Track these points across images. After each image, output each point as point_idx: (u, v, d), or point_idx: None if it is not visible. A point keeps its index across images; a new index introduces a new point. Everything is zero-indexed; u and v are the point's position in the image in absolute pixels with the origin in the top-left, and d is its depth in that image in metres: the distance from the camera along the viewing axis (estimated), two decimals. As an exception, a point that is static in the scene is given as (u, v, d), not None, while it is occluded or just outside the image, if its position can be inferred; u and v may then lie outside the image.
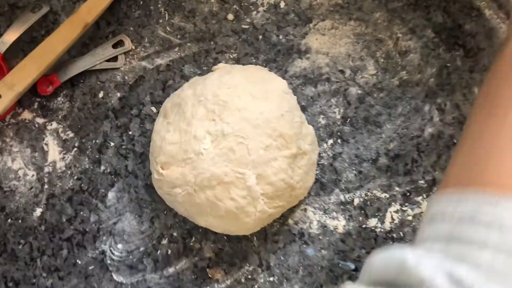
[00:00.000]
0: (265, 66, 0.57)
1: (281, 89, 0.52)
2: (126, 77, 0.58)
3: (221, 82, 0.51)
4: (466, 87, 0.54)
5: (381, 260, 0.32)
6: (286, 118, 0.50)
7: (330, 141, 0.55)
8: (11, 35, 0.57)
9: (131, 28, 0.59)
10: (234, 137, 0.48)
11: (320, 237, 0.53)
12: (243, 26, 0.58)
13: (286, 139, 0.49)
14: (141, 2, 0.60)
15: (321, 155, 0.55)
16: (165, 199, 0.52)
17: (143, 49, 0.59)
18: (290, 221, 0.54)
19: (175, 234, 0.55)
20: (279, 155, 0.49)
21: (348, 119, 0.55)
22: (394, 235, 0.52)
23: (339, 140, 0.55)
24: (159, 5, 0.59)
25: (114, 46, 0.59)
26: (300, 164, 0.50)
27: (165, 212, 0.55)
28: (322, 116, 0.56)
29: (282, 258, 0.53)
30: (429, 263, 0.28)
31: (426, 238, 0.34)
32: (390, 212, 0.53)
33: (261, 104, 0.49)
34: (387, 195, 0.53)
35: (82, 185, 0.57)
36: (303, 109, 0.55)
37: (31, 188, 0.57)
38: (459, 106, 0.54)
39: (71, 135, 0.58)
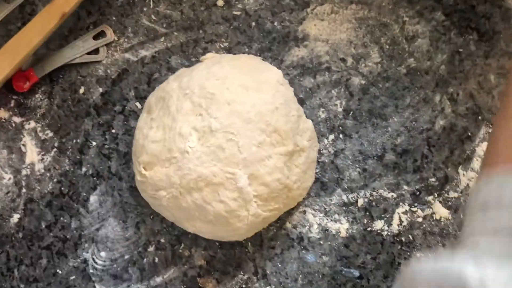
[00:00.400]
0: (259, 56, 0.52)
1: (275, 79, 0.47)
2: (108, 71, 0.54)
3: (209, 73, 0.46)
4: (481, 74, 0.50)
5: (433, 273, 0.26)
6: (281, 112, 0.45)
7: (331, 137, 0.50)
8: (-16, 28, 0.53)
9: (114, 18, 0.55)
10: (223, 133, 0.43)
11: (321, 242, 0.48)
12: (234, 13, 0.53)
13: (281, 135, 0.44)
14: (124, -11, 0.55)
15: (321, 152, 0.50)
16: (150, 202, 0.48)
17: (126, 40, 0.54)
18: (288, 225, 0.49)
19: (162, 240, 0.50)
20: (273, 152, 0.44)
21: (351, 112, 0.50)
22: (403, 239, 0.48)
23: (341, 135, 0.50)
24: (143, -8, 0.55)
25: (95, 37, 0.54)
26: (297, 163, 0.46)
27: (151, 217, 0.51)
28: (322, 109, 0.51)
29: (279, 265, 0.48)
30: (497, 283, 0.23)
31: (482, 230, 0.28)
32: (398, 213, 0.48)
33: (253, 96, 0.45)
34: (395, 195, 0.48)
35: (62, 188, 0.52)
36: (301, 102, 0.51)
37: (8, 192, 0.53)
38: (473, 95, 0.49)
39: (50, 134, 0.53)
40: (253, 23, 0.53)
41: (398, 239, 0.48)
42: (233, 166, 0.43)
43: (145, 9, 0.55)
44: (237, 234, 0.46)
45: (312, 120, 0.50)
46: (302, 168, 0.46)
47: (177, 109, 0.45)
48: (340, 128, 0.50)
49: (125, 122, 0.53)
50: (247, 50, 0.53)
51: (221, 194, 0.43)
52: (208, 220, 0.44)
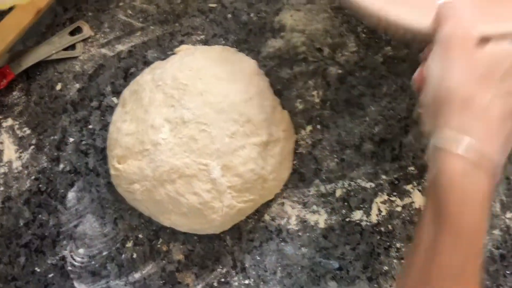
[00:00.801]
0: (236, 48, 0.52)
1: (250, 70, 0.46)
2: (85, 67, 0.54)
3: (182, 65, 0.46)
4: (458, 60, 0.49)
5: None
6: (255, 102, 0.45)
7: (309, 127, 0.50)
8: (-41, 26, 0.53)
9: (90, 13, 0.55)
10: (196, 124, 0.43)
11: (300, 234, 0.47)
12: (210, 5, 0.53)
13: (255, 125, 0.44)
14: (100, -15, 0.55)
15: (298, 143, 0.49)
16: (125, 197, 0.47)
17: (103, 35, 0.54)
18: (267, 217, 0.48)
19: (140, 236, 0.49)
20: (247, 143, 0.43)
21: (328, 102, 0.50)
22: (382, 229, 0.47)
23: (318, 126, 0.50)
24: (119, -13, 0.55)
25: (72, 33, 0.54)
26: (272, 153, 0.45)
27: (129, 212, 0.50)
28: (299, 100, 0.50)
29: (258, 258, 0.48)
30: None
31: None
32: (377, 203, 0.47)
33: (226, 87, 0.44)
34: (373, 184, 0.48)
35: (40, 185, 0.52)
36: (279, 92, 0.50)
37: (-15, 190, 0.52)
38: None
39: (28, 132, 0.53)
40: (229, 15, 0.53)
41: (377, 229, 0.47)
42: (206, 157, 0.42)
43: (121, 4, 0.54)
44: (212, 226, 0.45)
45: (290, 111, 0.49)
46: (277, 159, 0.45)
47: (150, 101, 0.45)
48: (318, 118, 0.50)
49: (102, 118, 0.52)
50: (223, 42, 0.52)
51: (194, 185, 0.43)
52: (182, 213, 0.44)
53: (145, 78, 0.47)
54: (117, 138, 0.45)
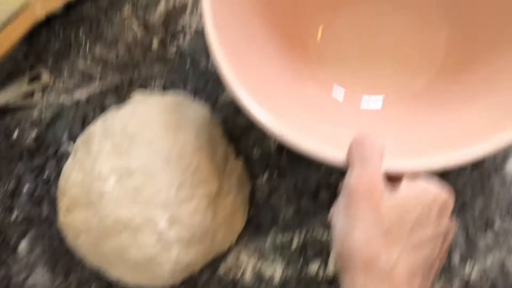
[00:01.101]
0: (194, 96, 0.51)
1: (202, 118, 0.46)
2: (43, 115, 0.53)
3: (133, 113, 0.45)
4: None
5: None
6: (206, 151, 0.44)
7: (266, 175, 0.49)
8: None
9: (50, 61, 0.55)
10: (142, 174, 0.42)
11: None
12: (170, 53, 0.53)
13: (205, 175, 0.43)
14: (62, 33, 0.55)
15: (255, 191, 0.48)
16: (73, 248, 0.46)
17: (62, 83, 0.54)
18: (222, 269, 0.47)
19: (91, 288, 0.48)
20: (196, 193, 0.42)
21: (285, 149, 0.49)
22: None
23: (275, 173, 0.49)
24: (80, 35, 0.55)
25: (32, 80, 0.54)
26: (223, 204, 0.44)
27: (81, 264, 0.48)
28: (256, 147, 0.49)
29: (211, 313, 0.46)
30: None
31: None
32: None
33: (176, 136, 0.44)
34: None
35: (-8, 236, 0.50)
36: (235, 140, 0.49)
37: None
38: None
39: (-17, 180, 0.52)
40: (188, 64, 0.53)
41: (334, 283, 0.45)
42: (152, 209, 0.41)
43: (81, 51, 0.54)
44: (161, 281, 0.43)
45: (246, 159, 0.48)
46: (229, 210, 0.44)
47: (99, 150, 0.44)
48: (275, 165, 0.49)
49: (57, 166, 0.51)
50: (181, 90, 0.52)
51: (140, 238, 0.41)
52: (128, 266, 0.42)
53: (97, 127, 0.46)
54: (65, 188, 0.44)
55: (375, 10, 0.47)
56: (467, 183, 0.46)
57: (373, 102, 0.44)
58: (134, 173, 0.42)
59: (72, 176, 0.44)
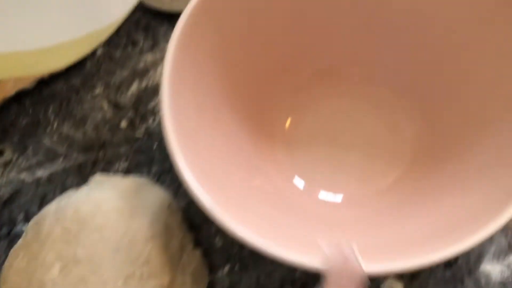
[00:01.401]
0: (158, 178, 0.50)
1: (159, 204, 0.44)
2: (1, 191, 0.51)
3: (88, 196, 0.43)
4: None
5: None
6: (160, 240, 0.41)
7: (227, 267, 0.46)
8: None
9: (16, 137, 0.53)
10: (88, 263, 0.39)
11: None
12: (137, 134, 0.52)
13: (156, 267, 0.40)
14: (31, 110, 0.55)
15: (213, 285, 0.45)
16: None
17: (25, 160, 0.52)
18: None
19: None
20: (145, 287, 0.39)
21: (249, 240, 0.46)
22: None
23: (237, 266, 0.46)
24: (49, 113, 0.54)
25: (-6, 156, 0.53)
26: (176, 298, 0.41)
27: None
28: (218, 236, 0.47)
29: None
30: None
31: None
32: None
33: (128, 223, 0.41)
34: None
35: None
36: (197, 228, 0.47)
37: None
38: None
39: None
40: (155, 145, 0.52)
41: None
42: (95, 303, 0.38)
43: (48, 129, 0.53)
44: None
45: (207, 249, 0.46)
46: (181, 305, 0.41)
47: (48, 234, 0.41)
48: (237, 257, 0.46)
49: (8, 248, 0.48)
50: (146, 171, 0.50)
51: (78, 336, 0.38)
52: None
53: (50, 209, 0.44)
54: (6, 275, 0.41)
55: (347, 106, 0.47)
56: (439, 284, 0.43)
57: (331, 196, 0.43)
58: (80, 262, 0.39)
59: (16, 262, 0.41)
